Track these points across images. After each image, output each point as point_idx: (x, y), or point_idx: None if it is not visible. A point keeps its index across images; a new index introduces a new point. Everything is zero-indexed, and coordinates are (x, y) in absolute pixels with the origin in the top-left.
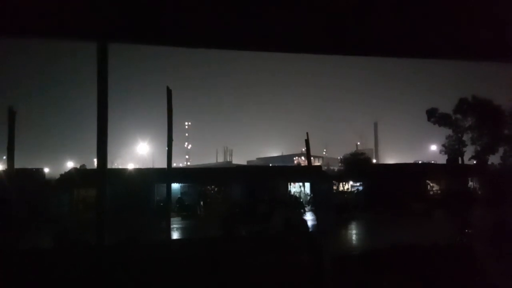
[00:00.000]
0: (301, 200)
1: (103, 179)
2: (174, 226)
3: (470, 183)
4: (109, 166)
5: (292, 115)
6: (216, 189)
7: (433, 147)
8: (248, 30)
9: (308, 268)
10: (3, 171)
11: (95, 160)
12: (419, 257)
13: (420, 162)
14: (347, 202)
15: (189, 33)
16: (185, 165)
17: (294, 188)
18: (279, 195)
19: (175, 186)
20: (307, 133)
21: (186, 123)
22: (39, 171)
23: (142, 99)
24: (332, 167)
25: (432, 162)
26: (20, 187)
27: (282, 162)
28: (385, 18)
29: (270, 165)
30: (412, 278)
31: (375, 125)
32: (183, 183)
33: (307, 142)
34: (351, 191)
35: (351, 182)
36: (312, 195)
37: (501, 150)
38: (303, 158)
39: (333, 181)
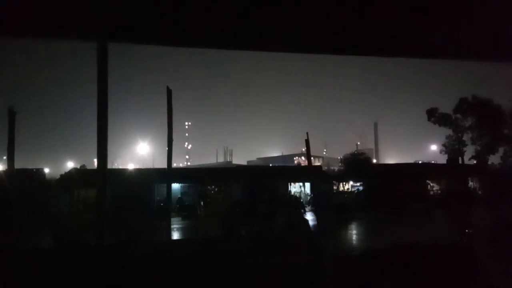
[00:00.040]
0: (301, 200)
1: (103, 179)
2: (174, 226)
3: (470, 183)
4: (109, 166)
5: (292, 115)
6: (216, 189)
7: (433, 147)
8: (248, 30)
9: (308, 268)
10: (3, 171)
11: (95, 160)
12: (419, 257)
13: (420, 162)
14: (347, 202)
15: (189, 33)
16: (185, 165)
17: (294, 188)
18: (279, 195)
19: (175, 186)
20: (307, 133)
21: (186, 123)
22: (39, 171)
23: (142, 99)
24: (332, 167)
25: (432, 162)
26: (20, 187)
27: (282, 162)
28: (385, 18)
29: (270, 165)
30: (412, 278)
31: (375, 125)
32: (183, 183)
33: (307, 142)
34: (351, 191)
35: (351, 182)
36: (312, 195)
37: (501, 150)
38: (303, 158)
39: (333, 181)
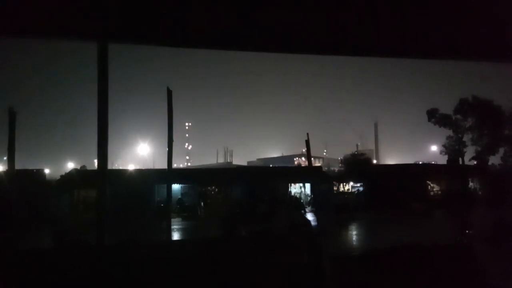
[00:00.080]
0: (302, 200)
1: (104, 179)
2: (175, 226)
3: (471, 183)
4: (109, 167)
5: (292, 115)
6: (216, 189)
7: (434, 148)
8: (248, 30)
9: (308, 268)
10: (4, 171)
11: (96, 161)
12: (419, 257)
13: (420, 162)
14: (348, 203)
15: (189, 33)
16: (185, 166)
17: (295, 188)
18: (280, 196)
19: (176, 186)
20: (307, 133)
21: (187, 124)
22: (40, 172)
23: (142, 99)
24: (332, 168)
25: (433, 162)
26: (20, 187)
27: (283, 162)
28: (385, 18)
29: (271, 165)
30: (412, 278)
31: (375, 125)
32: (184, 183)
33: (307, 143)
34: (351, 192)
35: (351, 183)
36: (312, 195)
37: (501, 151)
38: (303, 158)
39: (334, 182)
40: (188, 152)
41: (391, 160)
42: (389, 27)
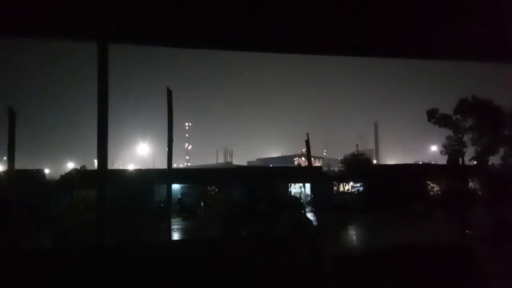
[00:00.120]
0: (302, 200)
1: (103, 179)
2: (175, 226)
3: (471, 183)
4: (109, 167)
5: (292, 115)
6: (216, 189)
7: (434, 148)
8: (248, 30)
9: (308, 268)
10: (4, 171)
11: (96, 161)
12: (419, 257)
13: (420, 162)
14: (347, 203)
15: (189, 33)
16: (185, 166)
17: (295, 189)
18: (280, 196)
19: (176, 187)
20: (307, 133)
21: (187, 124)
22: (40, 172)
23: (142, 99)
24: (332, 168)
25: (433, 162)
26: (20, 187)
27: (283, 162)
28: (385, 18)
29: (271, 165)
30: (412, 278)
31: (375, 125)
32: (184, 183)
33: (307, 143)
34: (351, 192)
35: (351, 183)
36: (312, 195)
37: (501, 151)
38: (303, 158)
39: (334, 182)
40: (188, 152)
41: (391, 160)
42: (389, 27)
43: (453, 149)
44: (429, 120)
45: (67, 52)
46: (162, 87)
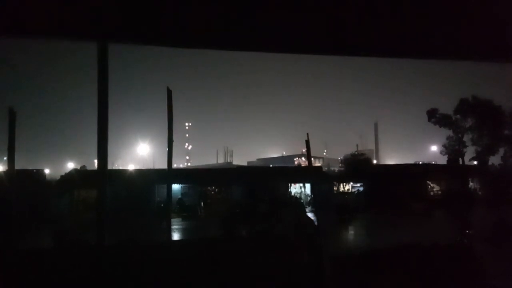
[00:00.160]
0: (302, 200)
1: (104, 180)
2: (175, 226)
3: (471, 183)
4: (109, 167)
5: (292, 115)
6: (216, 189)
7: (434, 148)
8: (248, 30)
9: (308, 268)
10: (4, 171)
11: (96, 161)
12: (419, 257)
13: (420, 162)
14: (348, 203)
15: (189, 33)
16: (185, 166)
17: (295, 189)
18: (280, 196)
19: (176, 187)
20: (307, 133)
21: (187, 124)
22: (40, 172)
23: (142, 99)
24: (332, 168)
25: (433, 162)
26: (20, 187)
27: (283, 162)
28: (385, 18)
29: (271, 165)
30: (412, 278)
31: (375, 125)
32: (184, 184)
33: (307, 143)
34: (351, 192)
35: (351, 183)
36: (312, 195)
37: (501, 151)
38: (303, 158)
39: (334, 182)
40: (188, 152)
41: (391, 160)
42: (389, 27)
43: (453, 149)
44: (429, 120)
45: (67, 52)
46: (162, 87)
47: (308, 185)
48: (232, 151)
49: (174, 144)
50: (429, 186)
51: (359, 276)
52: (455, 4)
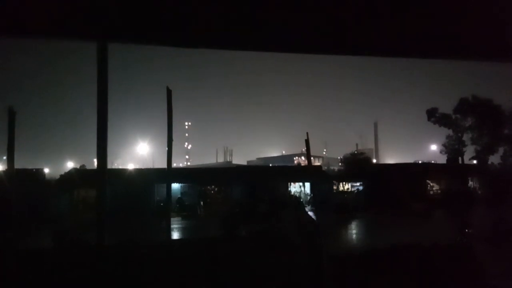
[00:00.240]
0: (301, 200)
1: (103, 179)
2: (174, 226)
3: (470, 183)
4: (109, 166)
5: (292, 115)
6: (216, 189)
7: (433, 147)
8: (248, 30)
9: (308, 268)
10: (3, 171)
11: (95, 161)
12: (419, 257)
13: (420, 162)
14: (347, 202)
15: (189, 33)
16: (185, 165)
17: (294, 188)
18: (279, 195)
19: (175, 186)
20: (307, 133)
21: (186, 123)
22: (39, 172)
23: (142, 99)
24: (332, 167)
25: (432, 162)
26: (20, 187)
27: (282, 162)
28: (385, 18)
29: (270, 165)
30: (412, 278)
31: (375, 125)
32: (183, 183)
33: (307, 142)
34: (351, 191)
35: (351, 182)
36: (312, 195)
37: (501, 150)
38: (303, 158)
39: (333, 181)
40: (187, 152)
41: (391, 160)
42: (389, 27)
43: (453, 149)
44: (429, 119)
45: (67, 52)
46: (162, 87)
47: (308, 184)
48: (231, 150)
49: (173, 143)
50: (429, 185)
51: (359, 276)
52: (455, 4)
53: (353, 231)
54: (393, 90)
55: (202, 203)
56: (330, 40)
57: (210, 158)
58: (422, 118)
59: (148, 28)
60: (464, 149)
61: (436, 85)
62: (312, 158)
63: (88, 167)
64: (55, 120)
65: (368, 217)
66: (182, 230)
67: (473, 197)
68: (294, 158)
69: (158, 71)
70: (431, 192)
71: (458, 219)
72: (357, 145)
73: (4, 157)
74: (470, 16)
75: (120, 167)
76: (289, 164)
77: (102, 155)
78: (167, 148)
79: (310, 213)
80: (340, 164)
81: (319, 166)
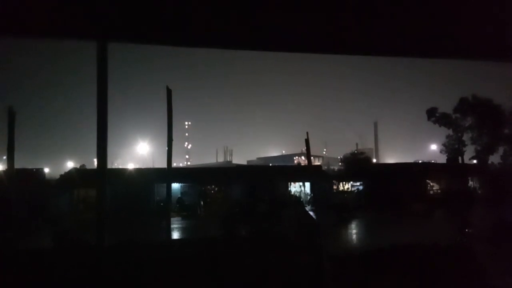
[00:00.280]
0: (301, 199)
1: (103, 179)
2: (174, 226)
3: (470, 182)
4: (109, 166)
5: (292, 115)
6: (216, 189)
7: (433, 147)
8: (248, 30)
9: (308, 268)
10: (3, 171)
11: (95, 160)
12: (419, 257)
13: (420, 161)
14: (347, 202)
15: (189, 33)
16: (185, 165)
17: (294, 187)
18: (280, 195)
19: (175, 186)
20: (307, 132)
21: (186, 123)
22: (39, 171)
23: (142, 99)
24: (332, 167)
25: (432, 161)
26: (20, 187)
27: (282, 161)
28: (385, 18)
29: (270, 164)
30: (412, 278)
31: (375, 124)
32: (183, 183)
33: (307, 142)
34: (351, 191)
35: (351, 182)
36: (312, 194)
37: (501, 150)
38: (303, 157)
39: (333, 181)
40: (187, 151)
41: (390, 159)
42: (389, 27)
43: (452, 148)
44: (428, 119)
45: (67, 52)
46: (162, 87)
47: (308, 184)
48: (231, 150)
49: (173, 143)
50: (429, 185)
51: (359, 276)
52: (455, 4)
53: (353, 231)
54: (393, 90)
55: (202, 203)
56: (330, 40)
57: (210, 158)
58: (422, 118)
59: (148, 28)
60: (464, 149)
61: (436, 85)
62: (312, 157)
63: (88, 167)
64: (55, 120)
65: (368, 217)
66: (182, 230)
67: (473, 197)
68: (294, 158)
69: (158, 71)
70: (431, 192)
71: (458, 219)
72: (357, 145)
73: (4, 157)
74: (470, 16)
75: (120, 167)
76: (289, 164)
77: (102, 155)
78: (167, 148)
79: (310, 213)
80: (340, 164)
81: (319, 166)
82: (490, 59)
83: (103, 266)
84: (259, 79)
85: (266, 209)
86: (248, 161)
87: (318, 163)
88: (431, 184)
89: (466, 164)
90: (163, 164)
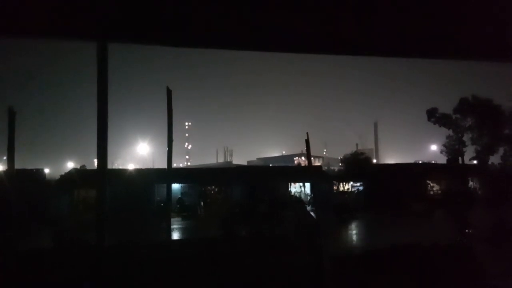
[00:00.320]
0: (302, 199)
1: (103, 179)
2: (175, 226)
3: (470, 183)
4: (109, 166)
5: (292, 115)
6: (216, 189)
7: (433, 147)
8: (248, 30)
9: (308, 268)
10: (3, 171)
11: (95, 161)
12: (419, 257)
13: (420, 162)
14: (347, 202)
15: (189, 33)
16: (185, 165)
17: (295, 188)
18: (280, 196)
19: (175, 186)
20: (307, 133)
21: (186, 123)
22: (39, 172)
23: (142, 99)
24: (332, 167)
25: (433, 162)
26: (20, 187)
27: (283, 162)
28: (385, 18)
29: (270, 165)
30: (412, 278)
31: (375, 125)
32: (184, 183)
33: (307, 142)
34: (351, 191)
35: (351, 182)
36: (312, 195)
37: (501, 150)
38: (303, 158)
39: (333, 181)
40: (188, 152)
41: (391, 160)
42: (389, 27)
43: (453, 149)
44: (428, 119)
45: (67, 52)
46: (162, 87)
47: (308, 185)
48: (232, 150)
49: (174, 143)
50: (429, 186)
51: (359, 276)
52: (455, 4)
53: (353, 231)
54: (393, 90)
55: (202, 203)
56: (330, 40)
57: (210, 158)
58: (422, 118)
59: (148, 28)
60: (464, 149)
61: (436, 85)
62: (312, 158)
63: (88, 167)
64: (55, 120)
65: (368, 217)
66: (182, 231)
67: (473, 197)
68: (294, 158)
69: (158, 71)
70: (431, 192)
71: (458, 219)
72: (357, 145)
73: (4, 157)
74: (470, 16)
75: (120, 167)
76: (289, 164)
77: (102, 155)
78: (167, 148)
79: (311, 213)
80: (340, 164)
81: (319, 166)
82: (490, 59)
83: (103, 266)
84: (259, 79)
85: (266, 210)
86: (248, 162)
87: (318, 164)
88: (431, 184)
89: (466, 164)
90: (163, 165)
